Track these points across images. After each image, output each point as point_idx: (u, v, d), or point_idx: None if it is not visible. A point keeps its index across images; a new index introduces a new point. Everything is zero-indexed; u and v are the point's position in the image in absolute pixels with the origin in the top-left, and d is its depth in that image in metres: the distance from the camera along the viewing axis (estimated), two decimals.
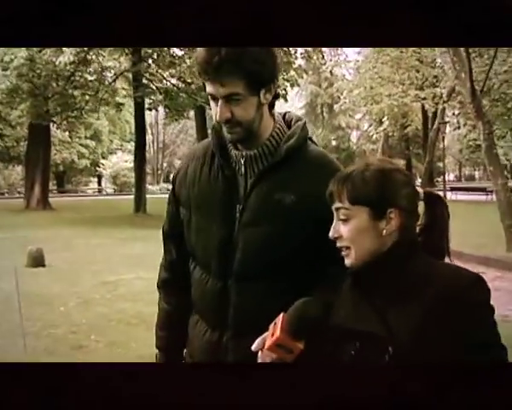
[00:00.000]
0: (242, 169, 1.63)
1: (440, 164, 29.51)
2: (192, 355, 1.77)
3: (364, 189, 1.36)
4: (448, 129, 36.92)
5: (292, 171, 1.60)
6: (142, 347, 5.08)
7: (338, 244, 1.40)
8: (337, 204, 1.39)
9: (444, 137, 27.88)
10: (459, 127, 36.16)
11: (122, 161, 40.84)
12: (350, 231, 1.37)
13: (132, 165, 25.99)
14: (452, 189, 28.91)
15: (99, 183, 47.39)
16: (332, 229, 1.40)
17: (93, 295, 7.81)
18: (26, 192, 25.38)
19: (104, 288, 8.25)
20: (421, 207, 1.45)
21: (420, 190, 1.45)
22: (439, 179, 36.96)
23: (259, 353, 1.45)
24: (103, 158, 41.55)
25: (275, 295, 1.57)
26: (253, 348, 1.45)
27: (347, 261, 1.39)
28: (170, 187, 1.88)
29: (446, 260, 1.44)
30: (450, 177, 52.60)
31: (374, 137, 40.54)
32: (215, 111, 1.55)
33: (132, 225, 17.58)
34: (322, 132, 44.80)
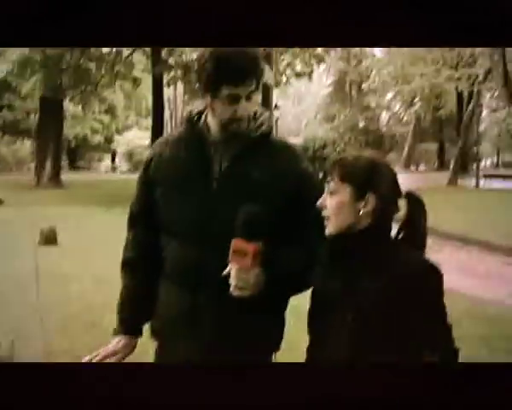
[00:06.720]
0: (217, 151, 1.74)
1: (476, 149, 26.36)
2: (162, 326, 1.84)
3: (352, 169, 1.57)
4: (485, 112, 33.58)
5: (262, 154, 1.76)
6: None
7: (322, 213, 1.60)
8: (329, 178, 1.60)
9: (479, 121, 25.48)
10: (496, 110, 32.40)
11: (137, 138, 37.70)
12: (333, 203, 1.58)
13: (148, 142, 23.85)
14: (486, 176, 24.77)
15: (113, 160, 44.62)
16: (320, 199, 1.61)
17: (107, 273, 7.50)
18: (36, 169, 23.33)
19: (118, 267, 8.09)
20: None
21: (402, 189, 1.61)
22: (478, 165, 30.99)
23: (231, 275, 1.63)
24: (118, 134, 38.12)
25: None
26: (224, 273, 1.63)
27: (327, 230, 1.60)
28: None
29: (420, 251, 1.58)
30: (487, 162, 48.39)
31: (404, 119, 38.21)
32: (227, 110, 1.66)
33: None
34: (350, 112, 40.06)
